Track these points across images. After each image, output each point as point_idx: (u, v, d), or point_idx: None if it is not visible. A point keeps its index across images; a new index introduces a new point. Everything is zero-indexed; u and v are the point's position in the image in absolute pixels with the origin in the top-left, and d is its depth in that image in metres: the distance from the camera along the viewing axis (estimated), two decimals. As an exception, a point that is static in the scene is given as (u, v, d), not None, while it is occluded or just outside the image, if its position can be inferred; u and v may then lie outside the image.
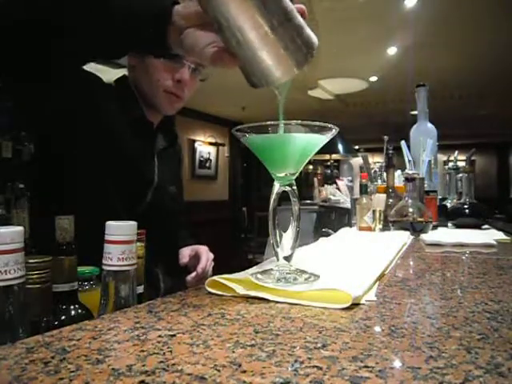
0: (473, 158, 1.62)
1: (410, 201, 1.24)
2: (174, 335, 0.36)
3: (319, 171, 6.58)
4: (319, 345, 0.34)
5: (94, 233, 0.53)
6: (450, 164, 2.05)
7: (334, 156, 4.04)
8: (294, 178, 0.56)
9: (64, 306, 0.50)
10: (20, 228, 0.40)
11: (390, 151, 1.44)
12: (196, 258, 1.12)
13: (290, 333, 0.37)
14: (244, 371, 0.28)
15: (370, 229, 1.25)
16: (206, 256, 1.12)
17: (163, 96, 0.99)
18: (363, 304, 0.46)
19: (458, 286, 0.59)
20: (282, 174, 0.55)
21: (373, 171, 1.58)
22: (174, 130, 1.14)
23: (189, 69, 0.98)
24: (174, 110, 1.04)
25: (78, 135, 0.90)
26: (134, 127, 0.98)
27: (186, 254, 1.14)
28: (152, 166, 1.03)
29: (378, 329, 0.38)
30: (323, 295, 0.46)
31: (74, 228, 0.50)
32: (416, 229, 1.20)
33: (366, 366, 0.29)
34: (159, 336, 0.35)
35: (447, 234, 1.22)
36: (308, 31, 0.47)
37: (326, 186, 2.91)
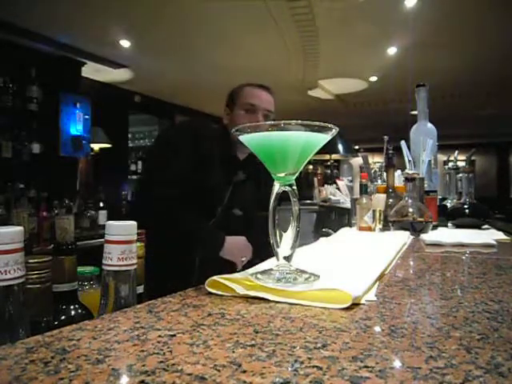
0: (473, 158, 1.62)
1: (409, 201, 1.24)
2: (174, 335, 0.36)
3: (319, 171, 6.57)
4: (319, 345, 0.34)
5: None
6: (450, 164, 2.05)
7: (334, 156, 4.04)
8: (294, 177, 0.56)
9: (64, 306, 0.50)
10: (20, 228, 0.40)
11: (390, 151, 1.44)
12: None
13: (290, 333, 0.36)
14: (244, 371, 0.28)
15: (369, 229, 1.24)
16: None
17: None
18: (363, 304, 0.46)
19: (458, 286, 0.59)
20: (282, 174, 0.55)
21: (373, 171, 1.58)
22: (253, 166, 1.47)
23: (262, 116, 1.40)
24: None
25: (180, 162, 1.33)
26: (224, 160, 1.40)
27: None
28: (226, 191, 1.43)
29: (377, 329, 0.38)
30: (323, 295, 0.46)
31: (74, 228, 0.50)
32: (416, 229, 1.20)
33: (366, 366, 0.29)
34: (159, 336, 0.35)
35: (447, 234, 1.22)
36: None
37: (326, 185, 2.91)
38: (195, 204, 1.33)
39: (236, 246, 1.37)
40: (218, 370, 0.28)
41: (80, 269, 0.56)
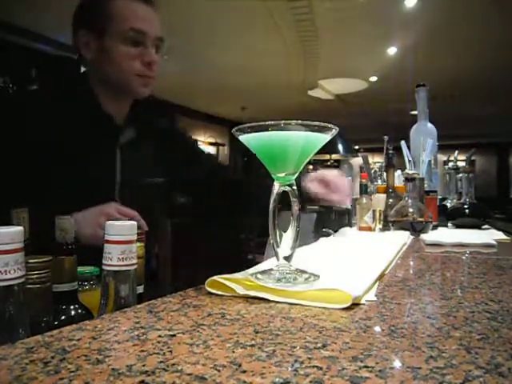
0: (473, 158, 1.62)
1: (409, 201, 1.24)
2: (174, 335, 0.36)
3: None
4: (319, 345, 0.34)
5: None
6: (450, 164, 2.05)
7: (334, 156, 4.03)
8: (294, 177, 0.56)
9: (64, 306, 0.50)
10: (20, 228, 0.40)
11: (390, 151, 1.44)
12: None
13: (290, 333, 0.36)
14: (244, 371, 0.28)
15: (369, 229, 1.24)
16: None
17: (136, 80, 1.00)
18: (363, 304, 0.46)
19: (458, 286, 0.59)
20: (282, 174, 0.55)
21: (373, 171, 1.58)
22: (143, 118, 1.12)
23: (153, 48, 1.01)
24: (148, 91, 1.04)
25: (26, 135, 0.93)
26: (89, 124, 0.98)
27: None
28: (112, 162, 1.02)
29: (377, 329, 0.38)
30: (323, 295, 0.46)
31: (74, 228, 0.50)
32: (416, 229, 1.20)
33: (366, 366, 0.29)
34: (159, 336, 0.35)
35: (447, 234, 1.22)
36: None
37: (326, 185, 2.90)
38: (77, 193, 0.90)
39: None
40: (218, 370, 0.28)
41: (80, 269, 0.56)
